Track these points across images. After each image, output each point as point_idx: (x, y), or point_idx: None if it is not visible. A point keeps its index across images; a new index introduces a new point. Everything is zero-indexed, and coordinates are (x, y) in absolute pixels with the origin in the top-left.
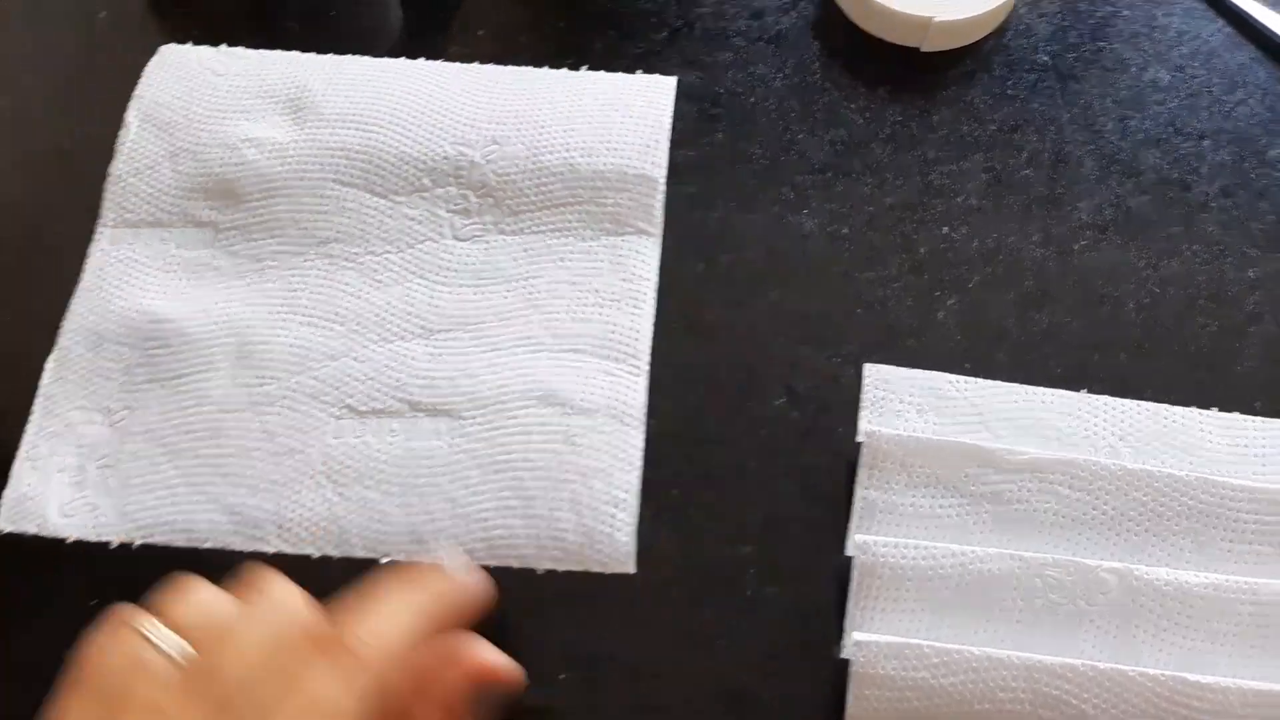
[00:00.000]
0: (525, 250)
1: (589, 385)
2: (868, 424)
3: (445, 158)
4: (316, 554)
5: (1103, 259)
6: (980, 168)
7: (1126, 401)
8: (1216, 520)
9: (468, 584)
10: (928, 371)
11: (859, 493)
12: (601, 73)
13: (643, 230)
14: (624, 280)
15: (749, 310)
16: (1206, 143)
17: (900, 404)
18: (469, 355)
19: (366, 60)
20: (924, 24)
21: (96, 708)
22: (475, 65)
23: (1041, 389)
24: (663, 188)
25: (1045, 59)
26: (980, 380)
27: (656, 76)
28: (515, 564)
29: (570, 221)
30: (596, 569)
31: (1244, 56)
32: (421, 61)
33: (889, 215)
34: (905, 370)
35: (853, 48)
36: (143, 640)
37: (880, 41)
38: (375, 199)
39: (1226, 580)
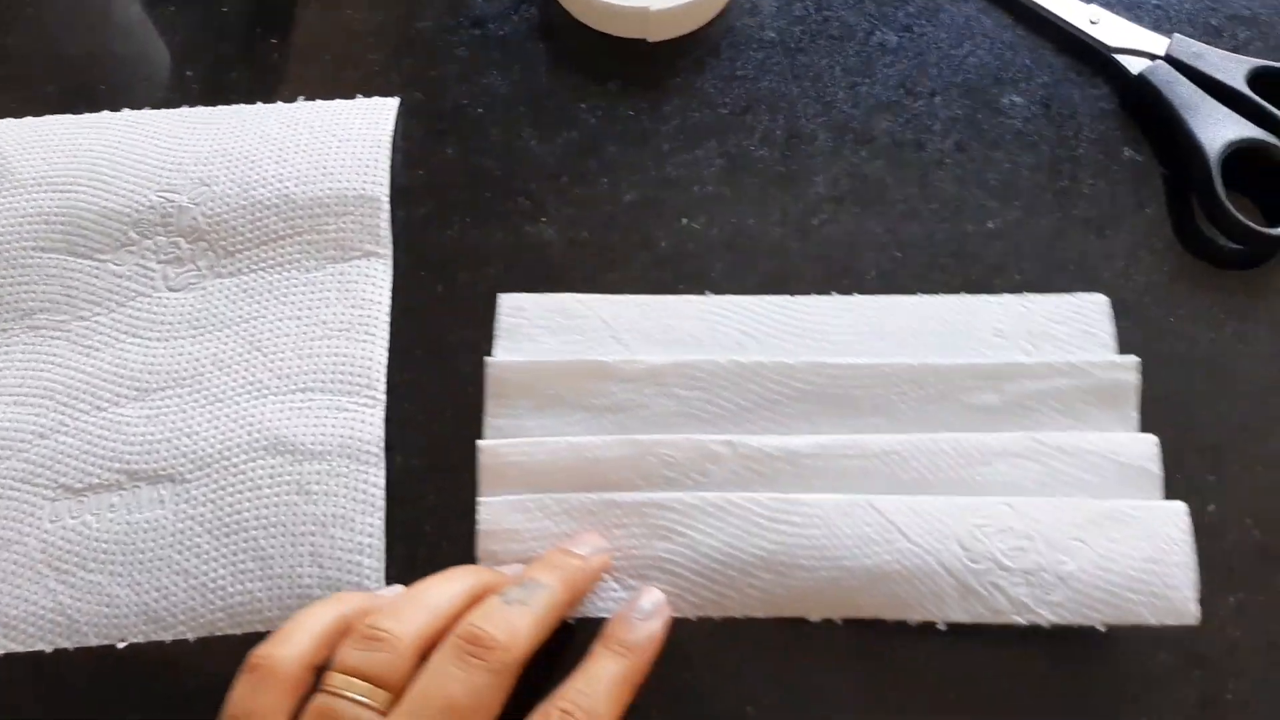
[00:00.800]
0: (245, 291)
1: (320, 426)
2: (502, 352)
3: (150, 207)
4: (49, 649)
5: (842, 230)
6: (715, 154)
7: (749, 298)
8: (830, 399)
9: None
10: (558, 294)
11: (487, 422)
12: (318, 101)
13: (370, 253)
14: (353, 308)
15: (492, 328)
16: (938, 99)
17: (533, 328)
18: (188, 412)
19: (65, 118)
20: (643, 14)
21: None
22: (182, 109)
23: (667, 296)
24: (386, 207)
25: (772, 35)
26: (608, 295)
27: (376, 99)
28: (262, 629)
29: (291, 254)
30: None
31: (970, 8)
32: (125, 112)
33: (627, 213)
34: (536, 295)
35: (579, 46)
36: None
37: (606, 37)
38: (79, 261)
39: (832, 440)
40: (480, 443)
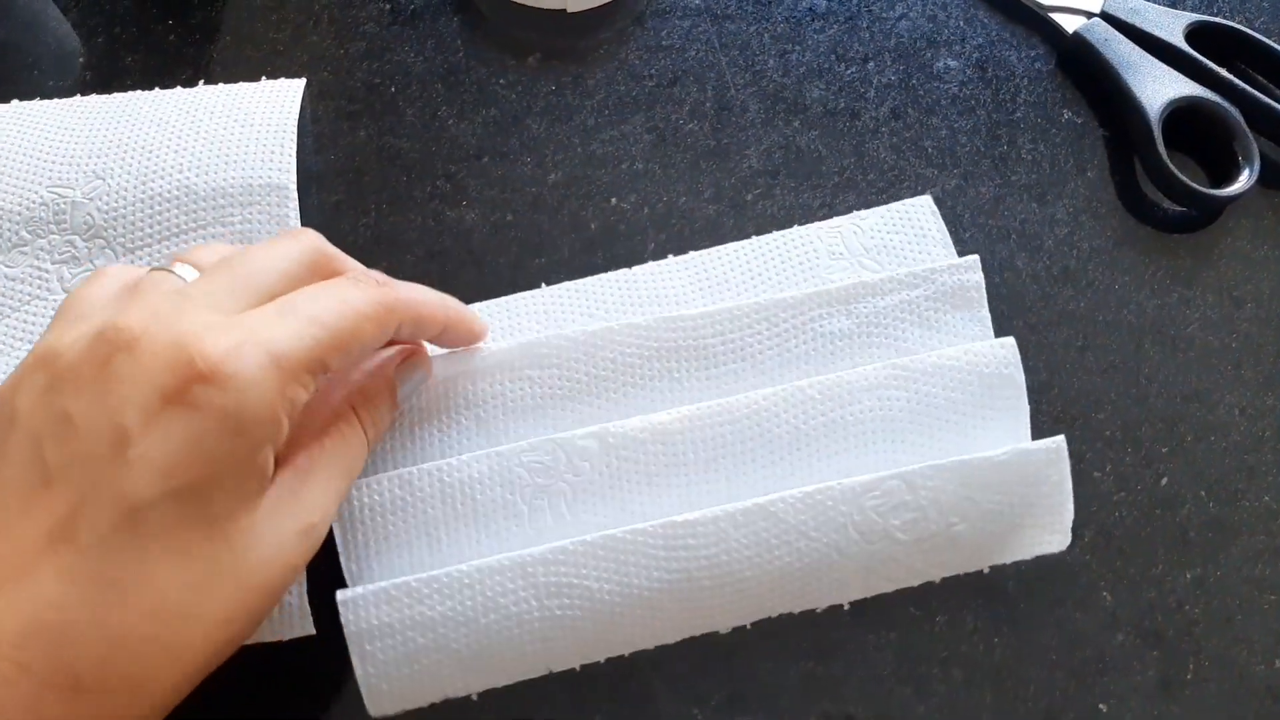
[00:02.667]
0: None
1: None
2: None
3: (41, 204)
4: None
5: (777, 205)
6: (643, 129)
7: (589, 279)
8: (686, 352)
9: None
10: None
11: None
12: (219, 85)
13: None
14: None
15: None
16: (871, 65)
17: None
18: None
19: None
20: None
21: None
22: (74, 99)
23: (501, 298)
24: (294, 195)
25: (698, 2)
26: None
27: (281, 80)
28: None
29: None
30: (272, 639)
31: None
32: (14, 104)
33: (554, 194)
34: None
35: (496, 19)
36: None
37: (524, 8)
38: None
39: (698, 409)
40: None
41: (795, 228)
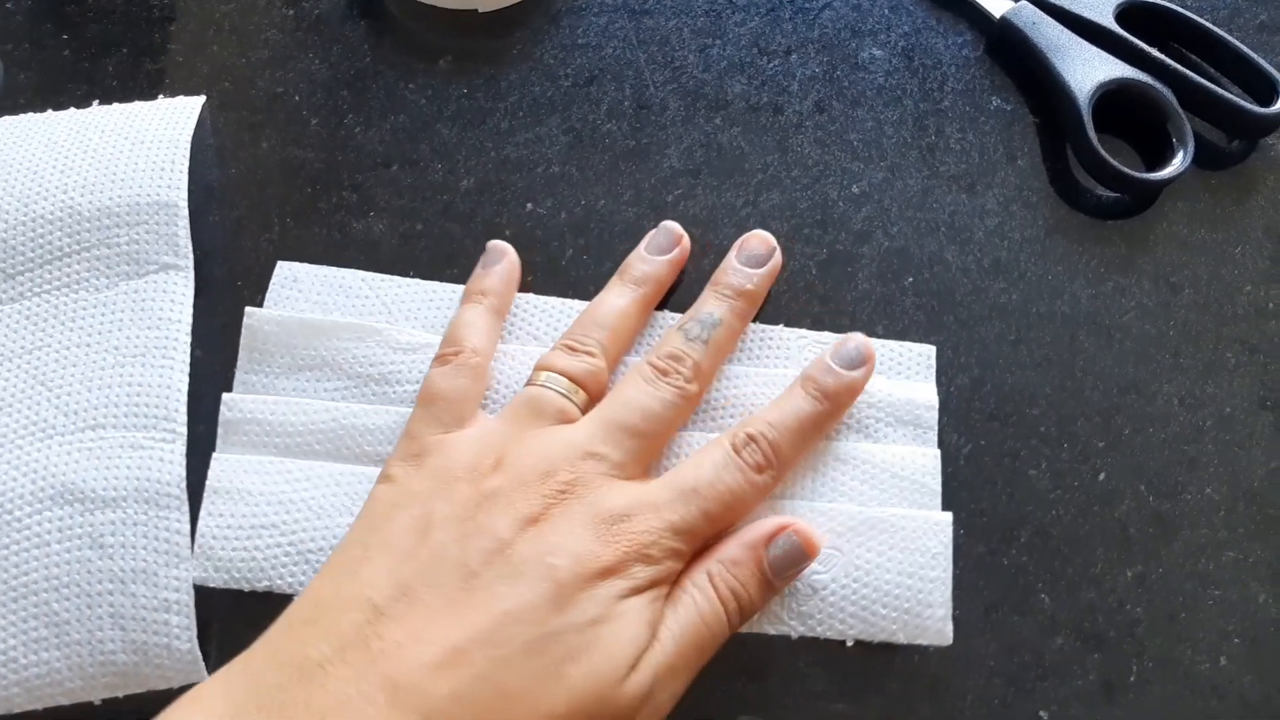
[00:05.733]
0: (27, 318)
1: (113, 468)
2: None
3: None
4: None
5: (699, 205)
6: (559, 130)
7: (552, 299)
8: None
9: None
10: (341, 269)
11: (238, 377)
12: (115, 105)
13: (169, 265)
14: (149, 329)
15: None
16: (794, 57)
17: (307, 302)
18: None
19: None
20: None
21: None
22: None
23: (463, 285)
24: (185, 213)
25: None
26: (396, 278)
27: (179, 99)
28: (65, 702)
29: (78, 273)
30: (162, 686)
31: None
32: None
33: (466, 201)
34: (316, 267)
35: (404, 21)
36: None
37: (433, 9)
38: None
39: None
40: (226, 396)
41: (781, 328)
